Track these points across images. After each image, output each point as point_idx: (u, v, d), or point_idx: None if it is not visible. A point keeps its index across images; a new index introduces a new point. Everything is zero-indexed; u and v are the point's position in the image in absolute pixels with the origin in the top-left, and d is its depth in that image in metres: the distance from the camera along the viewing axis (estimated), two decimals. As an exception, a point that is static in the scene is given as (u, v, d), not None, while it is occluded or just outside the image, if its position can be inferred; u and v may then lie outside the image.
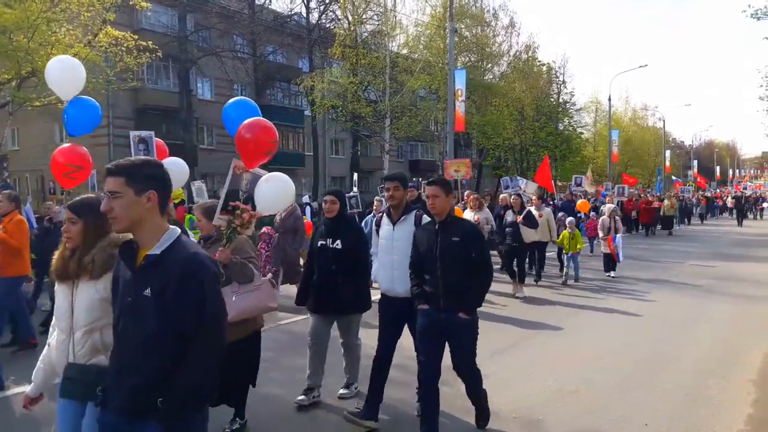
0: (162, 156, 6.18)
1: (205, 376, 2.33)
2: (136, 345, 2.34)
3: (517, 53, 38.41)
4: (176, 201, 10.81)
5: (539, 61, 40.22)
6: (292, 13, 35.49)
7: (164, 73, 30.09)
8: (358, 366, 5.66)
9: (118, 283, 2.49)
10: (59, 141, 28.18)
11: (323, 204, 5.54)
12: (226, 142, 34.12)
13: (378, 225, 5.23)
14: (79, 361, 2.88)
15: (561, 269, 13.04)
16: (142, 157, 2.46)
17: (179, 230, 2.48)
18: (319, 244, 5.36)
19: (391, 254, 4.94)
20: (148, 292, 2.31)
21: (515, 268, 10.97)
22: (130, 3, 18.98)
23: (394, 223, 4.98)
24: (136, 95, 27.96)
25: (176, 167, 5.92)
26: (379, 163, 33.78)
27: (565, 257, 12.65)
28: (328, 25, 33.75)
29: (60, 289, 3.05)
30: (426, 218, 4.87)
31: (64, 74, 6.76)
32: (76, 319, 2.92)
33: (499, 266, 12.75)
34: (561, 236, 12.60)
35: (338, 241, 5.25)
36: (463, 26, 31.69)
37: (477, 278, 4.39)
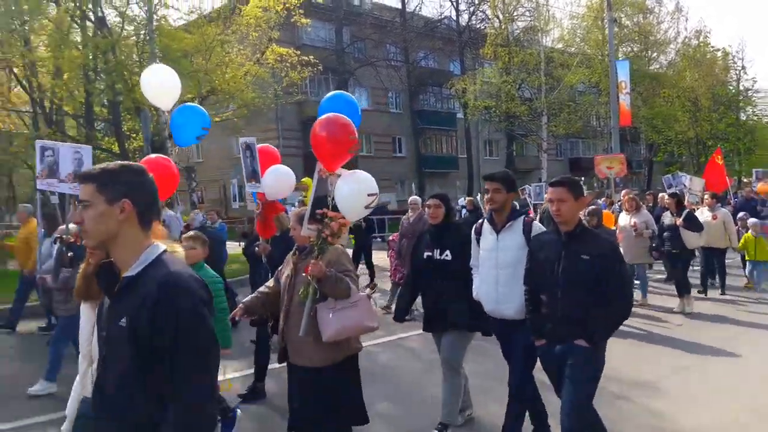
0: (272, 162, 6.09)
1: None
2: (113, 388, 1.94)
3: (686, 40, 35.31)
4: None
5: (712, 47, 36.59)
6: (442, 17, 35.87)
7: (324, 85, 31.85)
8: (458, 401, 4.75)
9: (101, 313, 2.10)
10: (237, 153, 31.07)
11: (427, 209, 4.94)
12: (384, 149, 35.31)
13: (478, 234, 4.43)
14: None
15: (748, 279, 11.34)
16: (120, 162, 2.08)
17: (162, 246, 2.05)
18: (425, 256, 4.73)
19: (495, 268, 4.19)
20: (123, 321, 1.90)
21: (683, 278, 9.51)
22: (292, 20, 20.34)
23: (497, 232, 4.24)
24: (300, 108, 29.90)
25: (281, 175, 5.89)
26: (536, 163, 32.89)
27: (748, 265, 10.94)
28: (478, 26, 33.64)
29: (83, 311, 2.83)
30: (538, 226, 4.22)
31: (159, 86, 6.20)
32: (95, 345, 2.45)
33: (664, 277, 11.69)
34: (742, 240, 10.99)
35: (447, 252, 4.62)
36: (622, 15, 29.83)
37: (608, 307, 3.58)
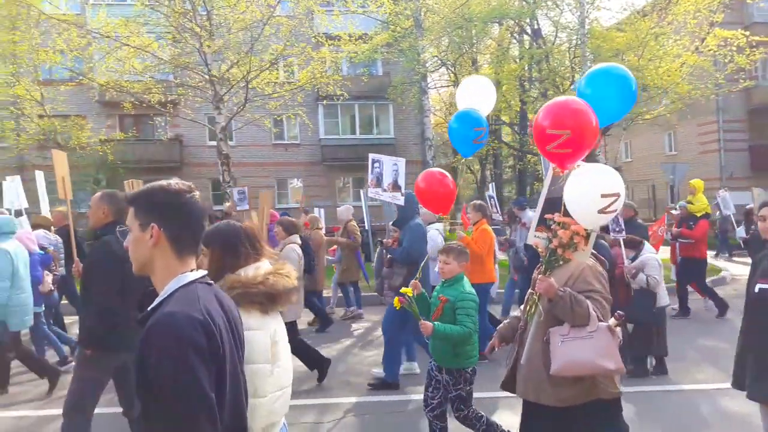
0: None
1: None
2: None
3: None
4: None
5: None
6: None
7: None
8: None
9: None
10: (669, 151, 28.99)
11: (761, 221, 3.56)
12: None
13: None
14: None
15: None
16: (160, 183, 1.87)
17: (191, 277, 1.82)
18: (757, 289, 3.37)
19: None
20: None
21: None
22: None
23: None
24: (748, 95, 25.95)
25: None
26: None
27: None
28: None
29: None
30: None
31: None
32: None
33: None
34: None
35: None
36: None
37: None
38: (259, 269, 2.44)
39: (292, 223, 6.48)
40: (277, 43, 16.46)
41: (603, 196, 2.82)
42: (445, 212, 4.94)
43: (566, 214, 3.00)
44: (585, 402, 2.97)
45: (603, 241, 5.69)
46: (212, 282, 1.93)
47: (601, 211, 2.86)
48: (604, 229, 6.41)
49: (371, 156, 7.21)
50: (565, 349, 2.92)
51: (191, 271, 1.85)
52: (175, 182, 1.88)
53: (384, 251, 6.76)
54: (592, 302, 2.97)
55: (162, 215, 1.81)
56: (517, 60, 20.68)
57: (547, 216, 3.14)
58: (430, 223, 7.06)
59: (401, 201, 6.40)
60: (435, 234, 7.49)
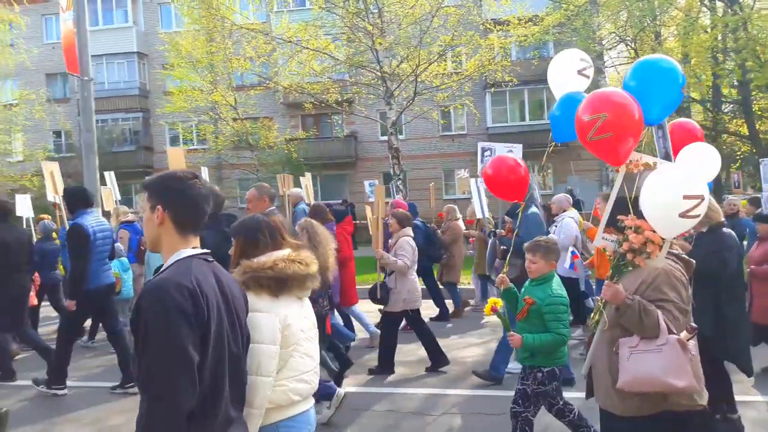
0: (691, 140, 4.00)
1: None
2: None
3: None
4: None
5: None
6: None
7: None
8: None
9: None
10: None
11: None
12: None
13: None
14: None
15: None
16: (170, 170, 2.24)
17: (187, 252, 2.04)
18: None
19: None
20: None
21: None
22: None
23: None
24: None
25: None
26: None
27: None
28: None
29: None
30: None
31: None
32: None
33: None
34: None
35: None
36: None
37: None
38: (271, 256, 2.53)
39: (406, 215, 6.58)
40: (445, 34, 16.55)
41: (685, 197, 2.60)
42: (519, 199, 4.75)
43: (640, 217, 2.79)
44: (652, 413, 2.75)
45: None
46: (212, 259, 2.14)
47: (683, 215, 2.61)
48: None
49: (480, 144, 7.10)
50: (633, 363, 2.72)
51: (192, 248, 2.09)
52: (181, 171, 2.17)
53: (497, 242, 6.55)
54: (664, 312, 2.72)
55: (166, 199, 2.06)
56: (709, 30, 18.62)
57: (619, 217, 2.92)
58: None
59: None
60: (569, 222, 7.11)
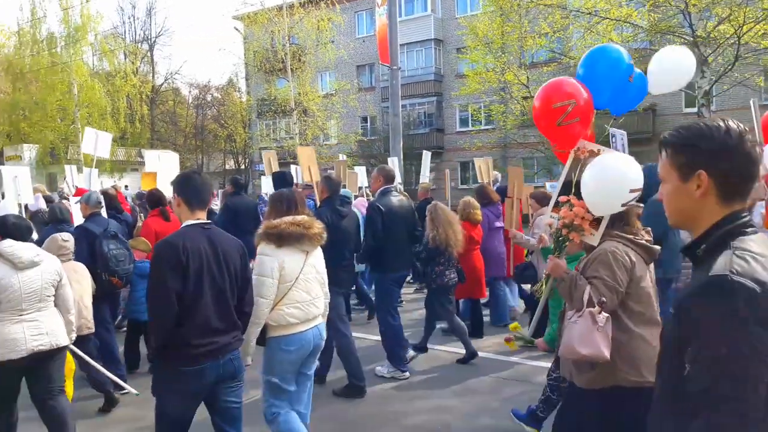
0: None
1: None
2: None
3: None
4: None
5: None
6: None
7: None
8: None
9: None
10: None
11: None
12: None
13: None
14: None
15: None
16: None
17: (188, 222, 3.17)
18: None
19: None
20: None
21: None
22: None
23: None
24: None
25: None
26: None
27: None
28: None
29: None
30: None
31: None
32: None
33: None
34: None
35: None
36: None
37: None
38: (282, 219, 3.53)
39: (544, 194, 6.62)
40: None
41: (632, 191, 2.89)
42: None
43: (579, 196, 3.11)
44: (603, 387, 2.85)
45: None
46: (209, 227, 3.17)
47: (624, 205, 2.95)
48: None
49: (611, 130, 6.11)
50: (565, 332, 2.95)
51: (195, 220, 3.15)
52: (191, 171, 3.53)
53: None
54: (592, 288, 2.87)
55: (180, 189, 3.19)
56: None
57: (560, 198, 3.29)
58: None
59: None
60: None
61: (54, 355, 3.91)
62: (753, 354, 1.26)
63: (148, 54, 40.53)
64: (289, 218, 3.53)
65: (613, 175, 2.94)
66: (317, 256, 3.71)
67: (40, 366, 3.85)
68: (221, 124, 39.22)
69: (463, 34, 23.94)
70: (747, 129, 1.52)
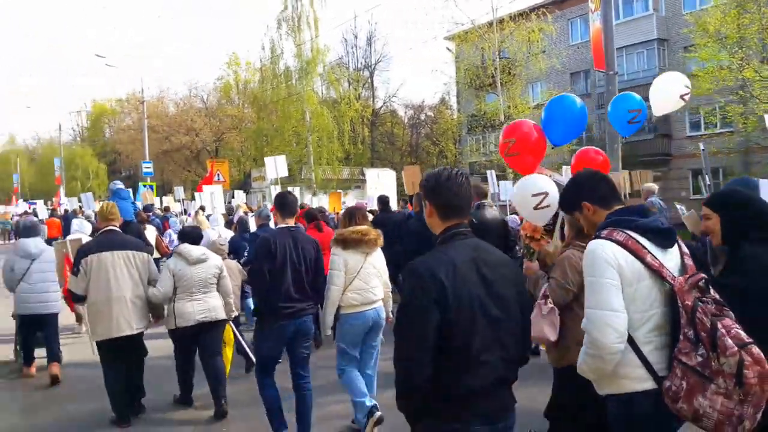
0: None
1: None
2: None
3: None
4: None
5: None
6: None
7: None
8: None
9: None
10: None
11: None
12: None
13: None
14: None
15: None
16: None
17: (282, 225, 4.68)
18: None
19: None
20: None
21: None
22: None
23: None
24: None
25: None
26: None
27: None
28: None
29: None
30: None
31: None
32: None
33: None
34: None
35: None
36: None
37: None
38: (346, 228, 4.79)
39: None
40: None
41: (533, 195, 3.82)
42: None
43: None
44: (562, 365, 3.37)
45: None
46: (294, 228, 4.63)
47: (536, 207, 3.82)
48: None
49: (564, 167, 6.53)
50: (534, 317, 3.34)
51: (285, 223, 4.59)
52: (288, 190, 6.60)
53: None
54: (548, 286, 3.46)
55: (275, 202, 4.78)
56: None
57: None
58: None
59: None
60: None
61: (214, 326, 5.29)
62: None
63: (369, 80, 43.74)
64: (351, 228, 4.76)
65: (519, 185, 4.09)
66: (376, 256, 4.89)
67: (205, 334, 5.25)
68: (433, 141, 40.65)
69: (690, 32, 21.69)
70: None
